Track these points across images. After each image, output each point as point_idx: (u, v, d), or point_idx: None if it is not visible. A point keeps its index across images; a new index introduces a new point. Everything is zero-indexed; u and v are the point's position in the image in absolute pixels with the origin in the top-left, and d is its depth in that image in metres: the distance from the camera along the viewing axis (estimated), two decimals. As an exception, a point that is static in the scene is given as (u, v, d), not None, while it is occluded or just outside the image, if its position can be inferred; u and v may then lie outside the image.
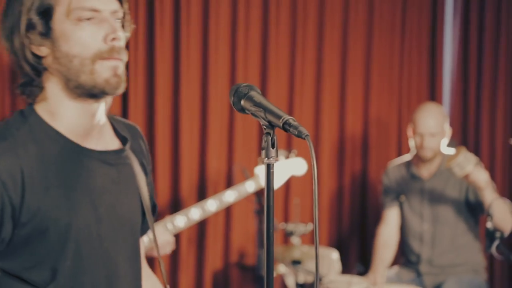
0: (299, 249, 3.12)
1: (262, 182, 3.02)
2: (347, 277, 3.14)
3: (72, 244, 1.33)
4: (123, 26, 1.41)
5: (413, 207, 3.29)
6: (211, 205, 2.88)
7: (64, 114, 1.37)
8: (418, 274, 3.27)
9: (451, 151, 3.13)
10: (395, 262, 3.47)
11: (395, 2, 4.02)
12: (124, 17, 1.41)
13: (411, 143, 3.30)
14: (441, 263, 3.22)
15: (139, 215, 1.50)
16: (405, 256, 3.38)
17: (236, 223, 3.58)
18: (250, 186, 2.99)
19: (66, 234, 1.32)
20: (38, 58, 1.35)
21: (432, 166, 3.26)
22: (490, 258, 3.81)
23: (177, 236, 3.20)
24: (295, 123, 1.22)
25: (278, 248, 3.16)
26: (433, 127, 3.16)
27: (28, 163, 1.30)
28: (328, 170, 3.87)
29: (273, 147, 1.26)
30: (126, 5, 1.42)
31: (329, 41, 3.83)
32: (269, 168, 1.27)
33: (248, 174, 3.10)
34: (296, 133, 1.21)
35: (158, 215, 3.29)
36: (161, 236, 2.69)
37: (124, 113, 3.33)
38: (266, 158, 1.27)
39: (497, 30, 4.11)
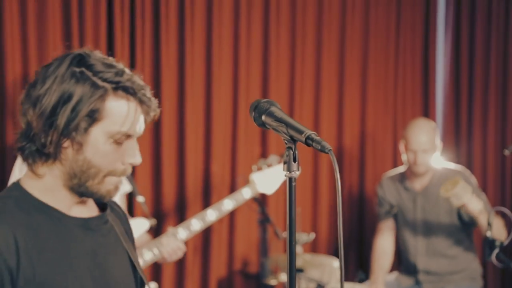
0: (301, 257, 3.16)
1: (259, 188, 3.06)
2: (350, 285, 3.20)
3: None
4: None
5: (407, 218, 3.35)
6: (211, 215, 2.93)
7: (55, 194, 1.38)
8: (417, 282, 3.33)
9: (446, 166, 3.17)
10: (393, 269, 3.53)
11: (389, 18, 4.12)
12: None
13: (404, 157, 3.35)
14: (438, 271, 3.27)
15: (131, 274, 1.52)
16: (403, 265, 3.44)
17: (239, 232, 3.65)
18: (246, 193, 3.03)
19: None
20: (59, 145, 1.34)
21: (424, 179, 3.32)
22: (484, 265, 3.88)
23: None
24: (318, 138, 1.24)
25: (280, 257, 3.21)
26: (425, 144, 3.20)
27: (19, 230, 1.30)
28: (327, 181, 3.94)
29: (294, 161, 1.29)
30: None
31: (326, 57, 3.91)
32: (291, 181, 1.29)
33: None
34: (319, 147, 1.23)
35: (162, 224, 3.38)
36: (171, 243, 2.76)
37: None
38: (288, 172, 1.29)
39: (487, 45, 4.22)
